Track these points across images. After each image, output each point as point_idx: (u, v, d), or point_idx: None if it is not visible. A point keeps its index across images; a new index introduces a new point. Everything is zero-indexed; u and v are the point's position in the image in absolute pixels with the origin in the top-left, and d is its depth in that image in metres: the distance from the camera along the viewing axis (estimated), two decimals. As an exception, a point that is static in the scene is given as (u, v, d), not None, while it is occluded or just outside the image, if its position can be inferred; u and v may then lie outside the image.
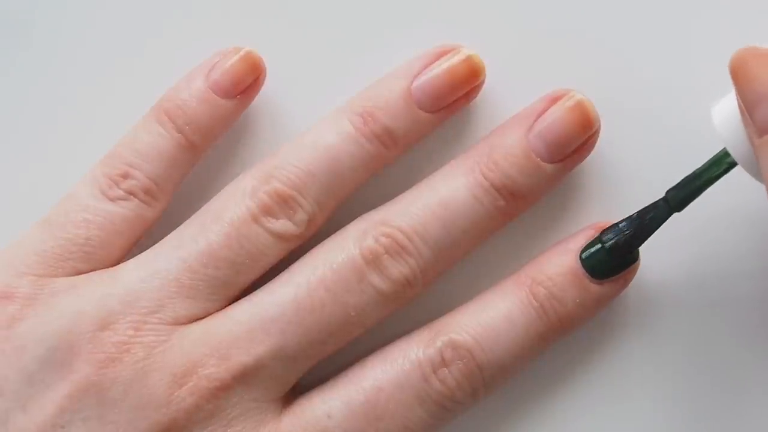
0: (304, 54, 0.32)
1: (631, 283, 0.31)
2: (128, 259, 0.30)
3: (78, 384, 0.28)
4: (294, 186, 0.29)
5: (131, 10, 0.32)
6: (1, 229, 0.31)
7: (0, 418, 0.28)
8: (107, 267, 0.30)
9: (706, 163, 0.28)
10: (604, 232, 0.30)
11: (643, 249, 0.30)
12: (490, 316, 0.29)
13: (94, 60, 0.33)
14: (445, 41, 0.31)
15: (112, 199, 0.30)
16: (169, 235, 0.30)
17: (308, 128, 0.31)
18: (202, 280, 0.29)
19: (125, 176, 0.30)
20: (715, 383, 0.32)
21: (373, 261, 0.29)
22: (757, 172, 0.26)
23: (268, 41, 0.32)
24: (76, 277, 0.29)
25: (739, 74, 0.24)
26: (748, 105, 0.24)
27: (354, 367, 0.30)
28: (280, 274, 0.30)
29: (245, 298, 0.30)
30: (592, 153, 0.31)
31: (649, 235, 0.29)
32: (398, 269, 0.29)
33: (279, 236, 0.29)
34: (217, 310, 0.29)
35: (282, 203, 0.29)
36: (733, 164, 0.27)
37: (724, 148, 0.27)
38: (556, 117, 0.30)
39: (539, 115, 0.30)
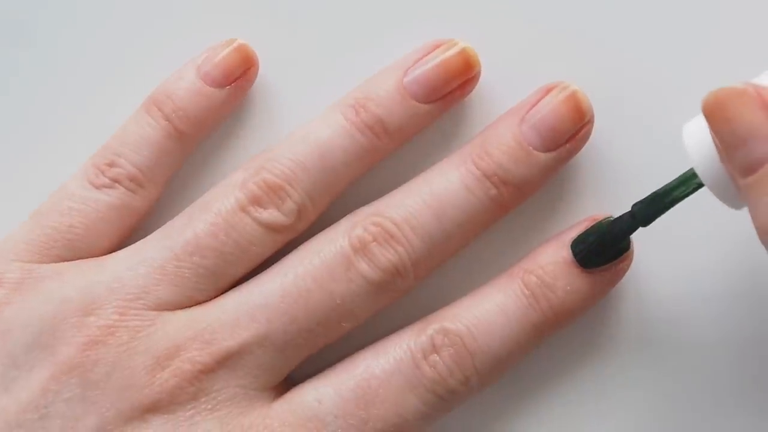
0: (302, 53, 0.32)
1: (628, 281, 0.31)
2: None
3: (61, 365, 0.28)
4: (283, 176, 0.29)
5: (131, 10, 0.33)
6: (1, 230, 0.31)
7: None
8: (94, 256, 0.30)
9: (674, 180, 0.27)
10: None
11: (640, 246, 0.30)
12: (482, 307, 0.29)
13: (93, 60, 0.33)
14: (441, 37, 0.31)
15: (97, 187, 0.30)
16: (159, 228, 0.30)
17: (303, 124, 0.31)
18: (188, 269, 0.29)
19: (111, 165, 0.30)
20: (714, 383, 0.31)
21: (361, 249, 0.29)
22: (725, 197, 0.26)
23: (267, 41, 0.32)
24: (62, 264, 0.30)
25: (716, 116, 0.23)
26: (727, 146, 0.24)
27: (346, 358, 0.30)
28: (271, 267, 0.30)
29: (234, 288, 0.30)
30: (589, 149, 0.31)
31: (615, 247, 0.29)
32: (387, 257, 0.29)
33: (267, 226, 0.29)
34: (206, 301, 0.29)
35: (270, 193, 0.29)
36: (701, 184, 0.27)
37: (692, 169, 0.27)
38: (549, 107, 0.30)
39: (531, 107, 0.30)
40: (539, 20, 0.32)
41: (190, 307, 0.29)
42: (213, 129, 0.32)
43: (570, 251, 0.29)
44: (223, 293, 0.30)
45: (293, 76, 0.32)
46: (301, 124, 0.31)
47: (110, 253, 0.30)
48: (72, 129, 0.33)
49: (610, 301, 0.31)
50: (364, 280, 0.29)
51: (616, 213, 0.30)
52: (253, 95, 0.32)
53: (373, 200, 0.31)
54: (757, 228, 0.24)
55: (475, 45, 0.31)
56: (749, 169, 0.23)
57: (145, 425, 0.28)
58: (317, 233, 0.30)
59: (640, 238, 0.30)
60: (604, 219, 0.30)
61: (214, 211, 0.29)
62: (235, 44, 0.31)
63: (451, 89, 0.30)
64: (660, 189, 0.28)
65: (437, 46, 0.30)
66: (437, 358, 0.29)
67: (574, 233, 0.30)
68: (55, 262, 0.30)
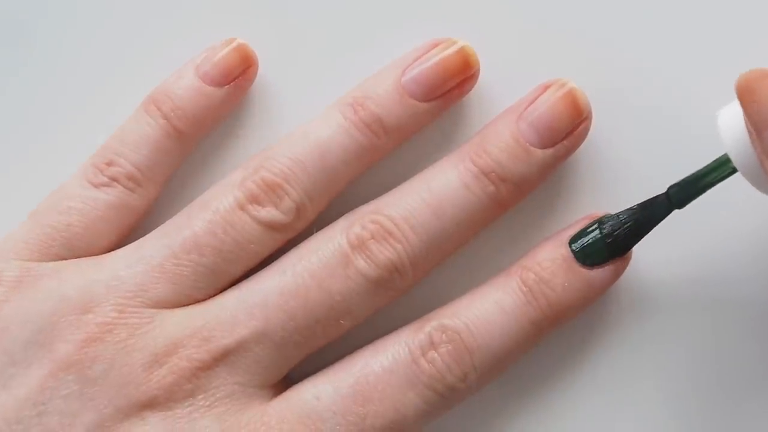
0: (301, 53, 0.32)
1: (627, 280, 0.30)
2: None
3: (59, 362, 0.28)
4: (282, 175, 0.29)
5: (130, 10, 0.33)
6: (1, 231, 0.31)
7: None
8: (93, 254, 0.30)
9: (709, 165, 0.28)
10: (604, 218, 0.30)
11: (639, 244, 0.30)
12: (481, 304, 0.29)
13: (92, 60, 0.33)
14: (440, 36, 0.31)
15: (96, 186, 0.30)
16: (158, 227, 0.30)
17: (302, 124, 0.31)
18: (186, 267, 0.29)
19: (110, 164, 0.30)
20: (712, 381, 0.31)
21: (359, 246, 0.29)
22: (758, 182, 0.26)
23: (266, 40, 0.32)
24: (61, 262, 0.30)
25: (746, 96, 0.24)
26: (756, 126, 0.24)
27: (345, 357, 0.30)
28: (269, 265, 0.30)
29: (233, 287, 0.30)
30: (588, 148, 0.31)
31: (649, 230, 0.29)
32: (385, 254, 0.29)
33: (266, 224, 0.29)
34: (205, 299, 0.29)
35: (268, 191, 0.29)
36: (735, 170, 0.27)
37: (726, 154, 0.27)
38: (546, 104, 0.30)
39: (529, 104, 0.30)
40: (537, 18, 0.32)
41: (188, 305, 0.29)
42: (212, 128, 0.32)
43: (567, 246, 0.29)
44: (222, 292, 0.30)
45: (292, 76, 0.32)
46: (300, 123, 0.31)
47: (109, 251, 0.30)
48: (72, 129, 0.33)
49: (608, 299, 0.31)
50: (363, 278, 0.29)
51: (614, 211, 0.30)
52: (252, 94, 0.32)
53: (372, 199, 0.31)
54: None
55: (474, 43, 0.31)
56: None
57: (143, 422, 0.28)
58: (316, 232, 0.30)
59: (643, 242, 0.30)
60: (604, 216, 0.30)
61: (212, 210, 0.29)
62: (234, 44, 0.31)
63: (449, 88, 0.30)
64: (695, 173, 0.28)
65: (436, 45, 0.30)
66: (435, 354, 0.29)
67: (573, 231, 0.30)
68: (54, 260, 0.30)
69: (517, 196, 0.30)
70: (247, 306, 0.29)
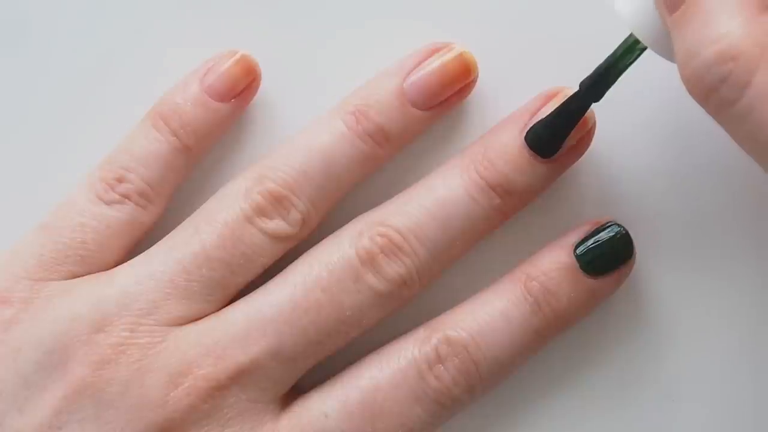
0: (298, 55, 0.32)
1: (627, 282, 0.31)
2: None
3: (74, 385, 0.28)
4: (287, 186, 0.29)
5: (130, 13, 0.33)
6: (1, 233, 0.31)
7: None
8: (104, 270, 0.30)
9: (617, 50, 0.28)
10: (606, 224, 0.30)
11: (639, 248, 0.30)
12: (485, 313, 0.29)
13: (92, 64, 0.33)
14: (437, 39, 0.31)
15: (107, 203, 0.30)
16: (164, 238, 0.30)
17: (302, 129, 0.31)
18: (197, 281, 0.29)
19: (120, 180, 0.30)
20: (712, 381, 0.32)
21: (369, 261, 0.29)
22: (666, 52, 0.26)
23: (262, 43, 0.32)
24: (71, 281, 0.29)
25: None
26: None
27: (351, 366, 0.30)
28: (277, 275, 0.30)
29: (242, 299, 0.30)
30: (589, 152, 0.31)
31: (571, 127, 0.29)
32: (394, 269, 0.29)
33: (273, 236, 0.29)
34: (214, 311, 0.29)
35: (275, 203, 0.29)
36: (644, 48, 0.27)
37: (632, 34, 0.27)
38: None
39: (533, 114, 0.30)
40: (535, 20, 0.32)
41: (199, 319, 0.29)
42: (217, 141, 0.32)
43: (572, 255, 0.30)
44: (229, 302, 0.30)
45: (290, 79, 0.32)
46: (297, 127, 0.31)
47: (118, 265, 0.30)
48: (71, 134, 0.33)
49: (608, 305, 0.31)
50: (372, 292, 0.29)
51: (616, 214, 0.31)
52: (254, 100, 0.32)
53: (373, 201, 0.31)
54: (678, 63, 0.24)
55: (471, 46, 0.31)
56: (675, 3, 0.24)
57: None
58: (317, 235, 0.30)
59: (641, 239, 0.30)
60: (607, 222, 0.30)
61: (220, 223, 0.29)
62: (237, 56, 0.31)
63: (449, 95, 0.31)
64: (604, 62, 0.28)
65: (434, 51, 0.30)
66: (442, 369, 0.29)
67: (577, 237, 0.30)
68: (67, 277, 0.29)
69: (520, 206, 0.30)
70: (260, 323, 0.29)
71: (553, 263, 0.30)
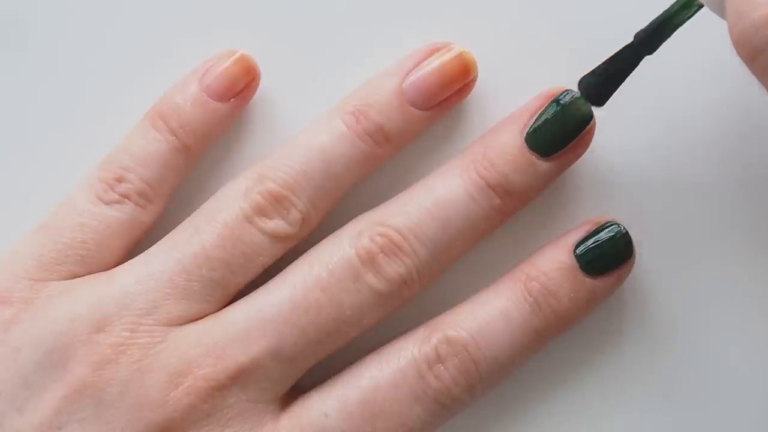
0: (297, 55, 0.32)
1: (626, 282, 0.31)
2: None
3: (74, 385, 0.28)
4: (287, 185, 0.29)
5: (130, 14, 0.33)
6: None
7: None
8: (104, 270, 0.30)
9: (673, 5, 0.27)
10: (606, 223, 0.30)
11: (639, 248, 0.30)
12: (485, 312, 0.29)
13: (92, 64, 0.33)
14: (437, 39, 0.31)
15: (107, 203, 0.30)
16: (164, 238, 0.30)
17: (302, 129, 0.31)
18: (197, 281, 0.29)
19: (120, 180, 0.30)
20: (712, 382, 0.32)
21: (368, 260, 0.29)
22: (720, 10, 0.25)
23: (261, 44, 0.32)
24: (71, 281, 0.29)
25: None
26: None
27: (351, 366, 0.30)
28: (277, 275, 0.30)
29: (242, 299, 0.30)
30: (589, 151, 0.31)
31: (623, 78, 0.29)
32: (394, 269, 0.29)
33: (273, 236, 0.29)
34: (214, 311, 0.29)
35: (275, 203, 0.29)
36: (701, 5, 0.27)
37: None
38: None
39: (533, 114, 0.30)
40: (534, 19, 0.32)
41: (198, 319, 0.29)
42: (216, 140, 0.32)
43: (572, 255, 0.29)
44: (229, 302, 0.30)
45: (291, 80, 0.32)
46: (297, 127, 0.31)
47: (118, 265, 0.30)
48: (70, 134, 0.33)
49: (609, 304, 0.31)
50: (372, 292, 0.29)
51: (616, 214, 0.31)
52: (253, 100, 0.32)
53: (373, 201, 0.31)
54: (728, 23, 0.24)
55: (470, 45, 0.31)
56: None
57: None
58: (317, 235, 0.30)
59: (640, 239, 0.30)
60: (607, 222, 0.30)
61: (220, 222, 0.29)
62: (236, 55, 0.31)
63: (449, 94, 0.31)
64: (661, 15, 0.27)
65: (434, 51, 0.31)
66: (442, 368, 0.29)
67: (577, 236, 0.30)
68: (67, 277, 0.29)
69: (520, 206, 0.30)
70: (260, 321, 0.29)
71: (553, 263, 0.30)
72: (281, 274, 0.30)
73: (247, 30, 0.32)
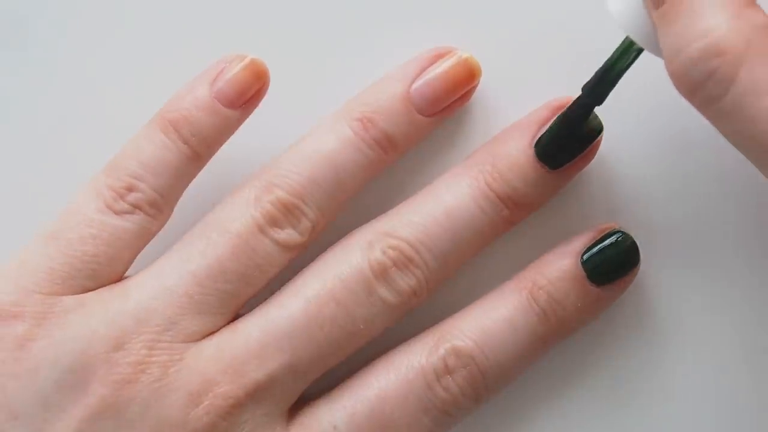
0: (300, 57, 0.32)
1: (632, 287, 0.31)
2: (129, 270, 0.30)
3: (94, 406, 0.28)
4: (297, 194, 0.29)
5: (130, 14, 0.32)
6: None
7: None
8: (113, 281, 0.30)
9: (614, 54, 0.28)
10: (611, 231, 0.30)
11: (642, 253, 0.30)
12: (492, 321, 0.30)
13: (93, 65, 0.32)
14: (439, 42, 0.31)
15: (117, 213, 0.29)
16: (174, 247, 0.30)
17: (306, 133, 0.31)
18: (212, 295, 0.29)
19: (130, 189, 0.29)
20: (714, 383, 0.32)
21: (381, 274, 0.29)
22: (659, 51, 0.26)
23: (263, 44, 0.31)
24: (85, 295, 0.29)
25: None
26: None
27: (358, 375, 0.30)
28: (288, 285, 0.30)
29: (254, 311, 0.30)
30: (596, 156, 0.31)
31: (576, 130, 0.29)
32: (406, 282, 0.29)
33: (284, 246, 0.29)
34: (227, 323, 0.29)
35: (286, 212, 0.29)
36: (641, 50, 0.27)
37: (628, 36, 0.27)
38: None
39: (541, 125, 0.30)
40: (538, 25, 0.32)
41: (214, 332, 0.29)
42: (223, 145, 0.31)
43: (579, 264, 0.30)
44: (238, 312, 0.30)
45: (293, 81, 0.32)
46: (299, 128, 0.31)
47: (125, 276, 0.30)
48: (71, 134, 0.32)
49: (612, 304, 0.32)
50: (384, 304, 0.29)
51: (622, 221, 0.31)
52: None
53: (375, 203, 0.31)
54: (665, 58, 0.24)
55: (470, 47, 0.31)
56: None
57: None
58: (321, 239, 0.30)
59: (643, 242, 0.30)
60: (612, 229, 0.30)
61: (234, 233, 0.29)
62: (247, 60, 0.30)
63: (454, 100, 0.31)
64: (603, 64, 0.28)
65: (438, 56, 0.31)
66: (450, 381, 0.29)
67: (582, 243, 0.30)
68: (78, 292, 0.29)
69: (527, 215, 0.31)
70: (276, 337, 0.29)
71: (559, 272, 0.30)
72: (292, 285, 0.30)
73: (249, 30, 0.32)
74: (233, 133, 0.31)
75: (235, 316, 0.30)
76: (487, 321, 0.30)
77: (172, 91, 0.30)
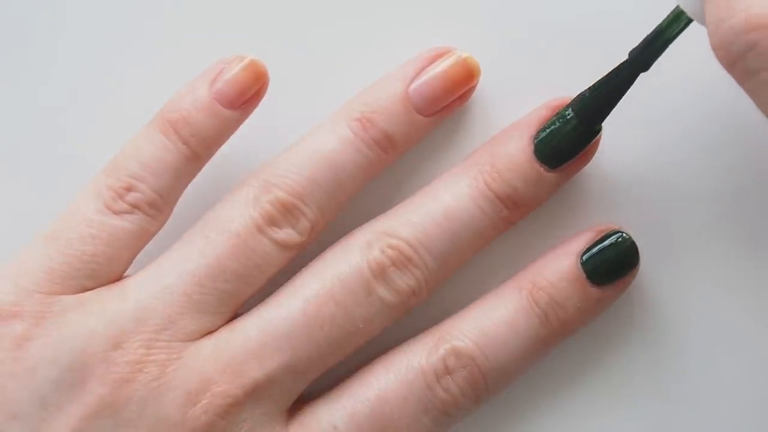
0: (299, 57, 0.32)
1: (632, 287, 0.31)
2: (129, 270, 0.30)
3: (92, 405, 0.28)
4: (296, 194, 0.29)
5: (129, 15, 0.32)
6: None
7: None
8: (112, 281, 0.30)
9: (663, 21, 0.28)
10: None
11: (642, 253, 0.30)
12: (492, 322, 0.30)
13: (92, 65, 0.32)
14: (439, 42, 0.31)
15: (116, 213, 0.29)
16: (174, 246, 0.30)
17: (305, 133, 0.31)
18: (211, 294, 0.29)
19: (129, 189, 0.29)
20: (713, 383, 0.32)
21: (380, 274, 0.29)
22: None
23: (261, 44, 0.31)
24: (83, 294, 0.29)
25: None
26: None
27: (358, 375, 0.30)
28: (287, 285, 0.30)
29: (253, 311, 0.30)
30: (595, 156, 0.31)
31: (620, 96, 0.29)
32: (405, 281, 0.29)
33: (283, 245, 0.29)
34: (225, 322, 0.29)
35: (285, 212, 0.29)
36: (690, 20, 0.27)
37: (678, 6, 0.27)
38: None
39: (540, 124, 0.30)
40: (537, 23, 0.32)
41: (213, 332, 0.29)
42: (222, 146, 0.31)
43: (579, 265, 0.30)
44: (237, 312, 0.30)
45: (292, 81, 0.32)
46: (297, 129, 0.31)
47: (124, 275, 0.30)
48: (70, 134, 0.32)
49: (612, 305, 0.31)
50: (383, 304, 0.29)
51: (622, 222, 0.31)
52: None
53: (374, 203, 0.31)
54: (708, 30, 0.24)
55: (469, 47, 0.31)
56: None
57: None
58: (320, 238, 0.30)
59: (642, 243, 0.30)
60: (612, 230, 0.30)
61: (233, 233, 0.29)
62: (246, 61, 0.30)
63: (453, 99, 0.31)
64: (652, 32, 0.28)
65: (437, 56, 0.31)
66: (450, 381, 0.29)
67: (582, 243, 0.30)
68: (77, 291, 0.29)
69: (526, 214, 0.31)
70: (275, 337, 0.29)
71: (560, 273, 0.30)
72: (291, 284, 0.30)
73: (249, 30, 0.32)
74: (233, 133, 0.31)
75: (234, 316, 0.30)
76: (487, 322, 0.30)
77: (172, 91, 0.31)
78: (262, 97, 0.31)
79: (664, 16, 0.27)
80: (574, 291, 0.30)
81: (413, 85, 0.30)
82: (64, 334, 0.28)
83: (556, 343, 0.30)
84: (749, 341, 0.32)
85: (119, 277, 0.30)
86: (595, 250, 0.30)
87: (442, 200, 0.30)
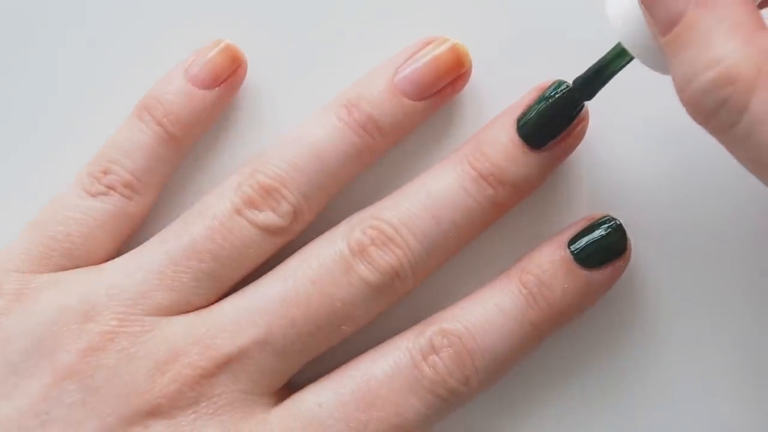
0: (293, 54, 0.32)
1: (624, 281, 0.31)
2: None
3: (61, 371, 0.28)
4: (278, 178, 0.29)
5: (129, 15, 0.33)
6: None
7: None
8: (93, 263, 0.30)
9: (608, 54, 0.28)
10: (601, 219, 0.30)
11: (637, 247, 0.30)
12: (481, 307, 0.29)
13: (93, 65, 0.33)
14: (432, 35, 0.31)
15: (93, 195, 0.30)
16: (157, 234, 0.30)
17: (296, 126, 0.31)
18: (185, 273, 0.29)
19: (106, 172, 0.30)
20: (712, 383, 0.32)
21: (359, 252, 0.29)
22: (654, 65, 0.26)
23: (256, 42, 0.32)
24: (61, 273, 0.30)
25: None
26: (647, 5, 0.24)
27: (346, 362, 0.30)
28: (271, 271, 0.30)
29: (234, 293, 0.30)
30: (586, 151, 0.31)
31: (563, 125, 0.29)
32: (385, 260, 0.29)
33: (264, 228, 0.29)
34: (205, 306, 0.30)
35: (265, 195, 0.29)
36: (633, 57, 0.27)
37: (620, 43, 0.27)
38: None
39: (524, 107, 0.30)
40: (529, 16, 0.32)
41: (189, 312, 0.29)
42: (204, 130, 0.32)
43: (566, 248, 0.29)
44: (222, 297, 0.30)
45: (283, 77, 0.32)
46: (292, 124, 0.31)
47: (109, 259, 0.30)
48: (66, 134, 0.33)
49: (607, 302, 0.31)
50: (364, 283, 0.29)
51: (612, 212, 0.30)
52: (243, 96, 0.32)
53: (370, 202, 0.31)
54: (676, 86, 0.24)
55: (467, 41, 0.31)
56: (668, 25, 0.24)
57: (147, 430, 0.28)
58: (315, 236, 0.30)
59: (638, 238, 0.30)
60: (602, 217, 0.30)
61: (210, 215, 0.29)
62: (221, 45, 0.31)
63: (442, 86, 0.31)
64: (596, 62, 0.28)
65: (427, 44, 0.31)
66: (437, 358, 0.29)
67: (571, 233, 0.30)
68: (54, 271, 0.30)
69: (516, 199, 0.30)
70: (249, 313, 0.29)
71: (547, 257, 0.30)
72: (274, 269, 0.30)
73: (250, 30, 0.32)
74: (213, 115, 0.31)
75: (216, 301, 0.30)
76: (476, 307, 0.29)
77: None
78: (240, 80, 0.31)
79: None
80: (561, 272, 0.29)
81: (401, 70, 0.30)
82: (37, 308, 0.29)
83: (548, 330, 0.30)
84: (749, 340, 0.31)
85: (100, 261, 0.30)
86: (583, 233, 0.30)
87: (427, 184, 0.30)
